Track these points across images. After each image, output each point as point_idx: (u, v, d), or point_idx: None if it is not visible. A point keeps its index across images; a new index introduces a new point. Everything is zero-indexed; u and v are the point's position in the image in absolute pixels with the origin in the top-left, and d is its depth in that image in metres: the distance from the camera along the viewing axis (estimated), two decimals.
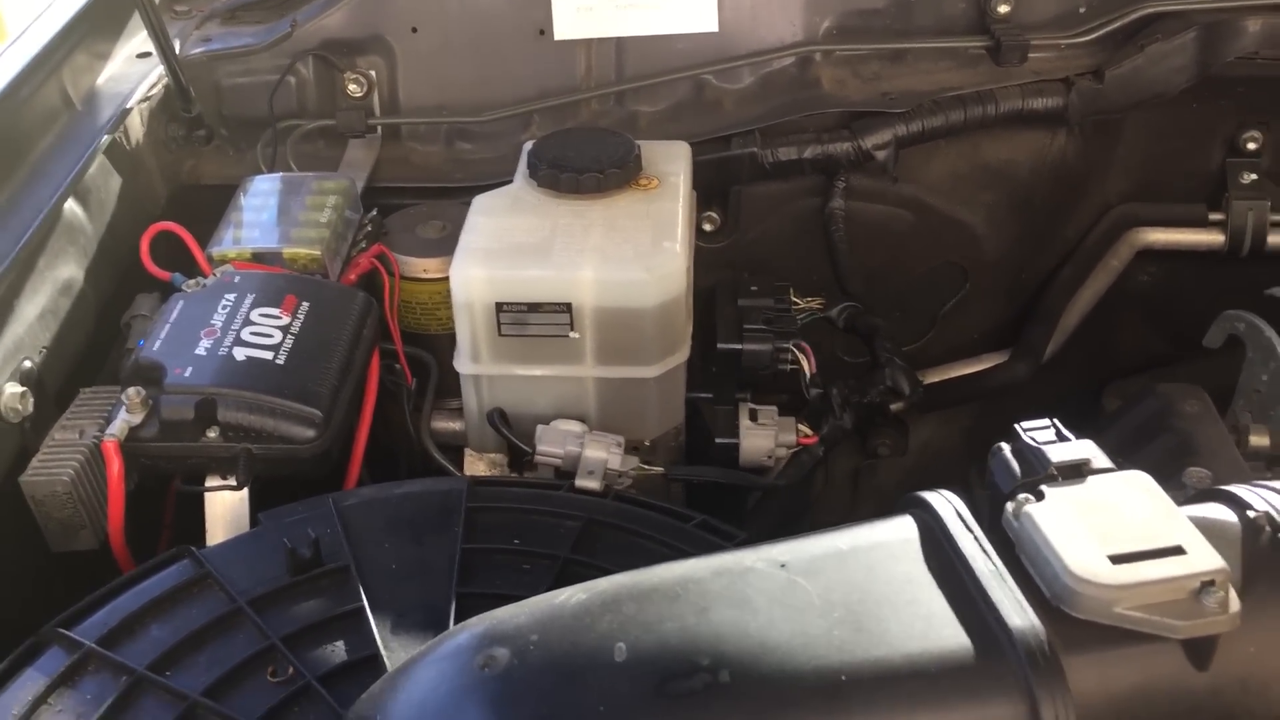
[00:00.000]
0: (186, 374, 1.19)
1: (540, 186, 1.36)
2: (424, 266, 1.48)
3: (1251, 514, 0.85)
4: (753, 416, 1.39)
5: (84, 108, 1.48)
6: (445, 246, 1.50)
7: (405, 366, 1.40)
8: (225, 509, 1.20)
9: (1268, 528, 0.84)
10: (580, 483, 1.17)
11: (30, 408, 1.22)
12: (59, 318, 1.30)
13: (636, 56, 1.65)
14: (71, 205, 1.35)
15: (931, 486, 1.02)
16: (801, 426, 1.39)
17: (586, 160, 1.35)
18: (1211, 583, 0.77)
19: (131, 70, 1.57)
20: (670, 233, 1.30)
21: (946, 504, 0.87)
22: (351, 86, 1.66)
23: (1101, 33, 1.62)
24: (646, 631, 0.80)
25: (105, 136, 1.42)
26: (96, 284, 1.38)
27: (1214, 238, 1.82)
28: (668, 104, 1.66)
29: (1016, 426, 0.93)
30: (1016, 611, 0.78)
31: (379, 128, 1.67)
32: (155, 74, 1.57)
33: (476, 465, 1.43)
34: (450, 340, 1.50)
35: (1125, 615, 0.78)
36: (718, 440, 1.38)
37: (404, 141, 1.70)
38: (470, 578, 1.04)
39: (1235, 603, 0.78)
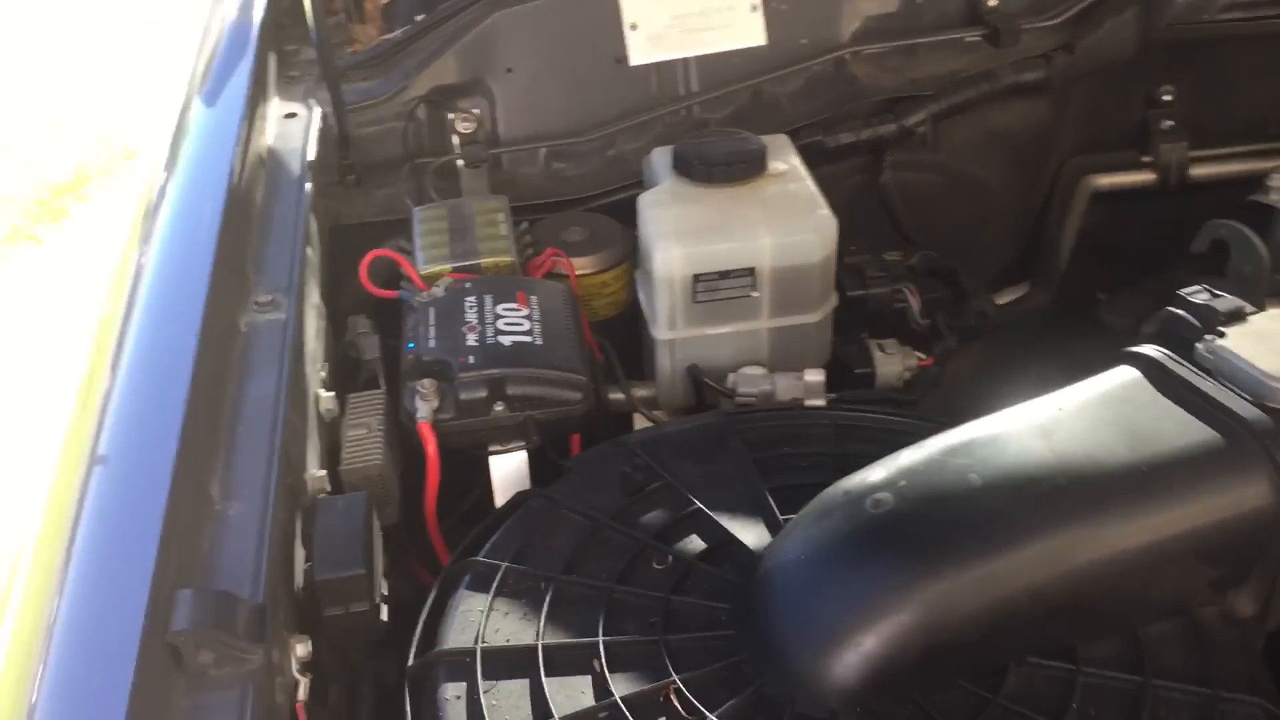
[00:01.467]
0: (471, 361, 1.43)
1: (695, 181, 1.65)
2: (579, 265, 1.75)
3: None
4: (881, 349, 1.70)
5: (273, 164, 1.69)
6: (591, 246, 1.78)
7: (594, 345, 1.67)
8: (512, 468, 1.45)
9: None
10: (810, 402, 1.47)
11: (337, 408, 1.44)
12: (323, 336, 1.52)
13: (700, 73, 1.95)
14: (307, 248, 1.57)
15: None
16: (916, 353, 1.72)
17: (726, 155, 1.65)
18: None
19: (288, 129, 1.79)
20: (817, 202, 1.61)
21: (1159, 351, 1.20)
22: (462, 125, 1.91)
23: (1069, 14, 2.00)
24: (986, 464, 1.11)
25: (308, 185, 1.64)
26: (328, 309, 1.60)
27: (1147, 177, 2.23)
28: (731, 110, 1.96)
29: (1179, 293, 1.26)
30: (1244, 408, 1.11)
31: (491, 157, 1.93)
32: (314, 130, 1.79)
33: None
34: (603, 327, 1.78)
35: None
36: (857, 371, 1.69)
37: (505, 168, 1.96)
38: (767, 478, 1.32)
39: None
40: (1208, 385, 1.15)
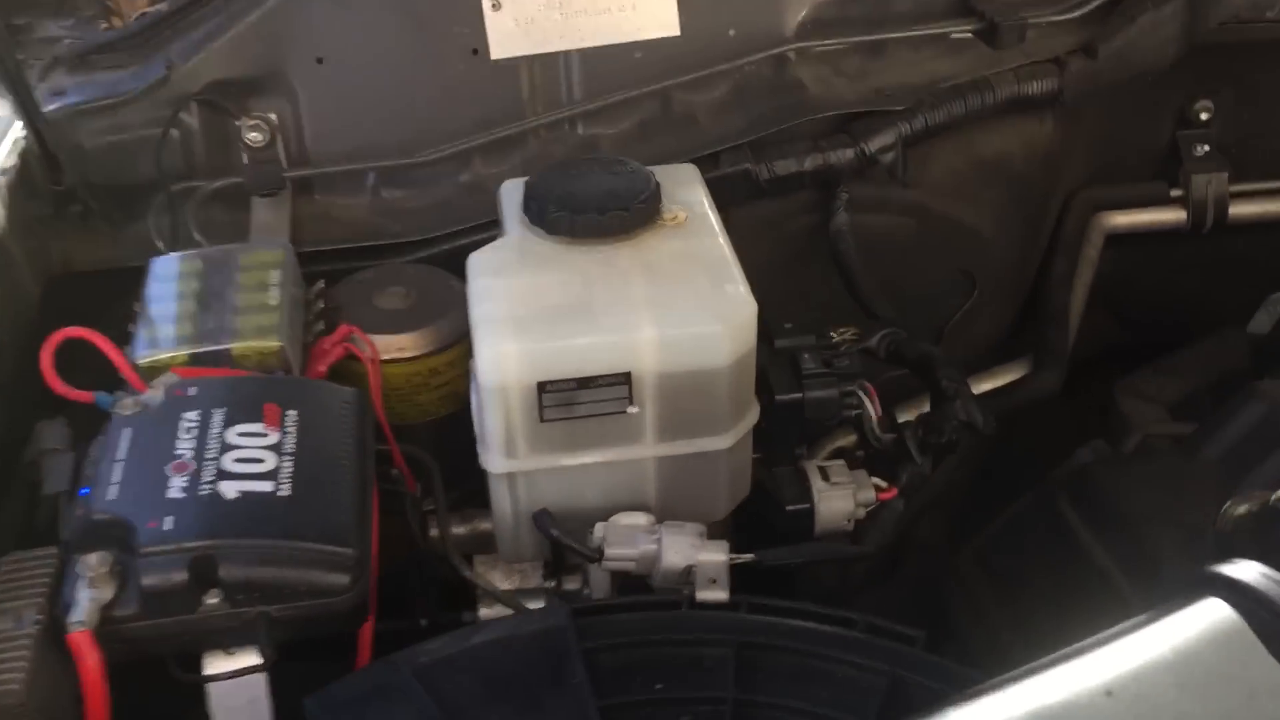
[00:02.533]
0: (166, 526, 0.90)
1: (550, 234, 1.12)
2: (398, 345, 1.22)
3: None
4: (824, 476, 1.19)
5: None
6: (416, 317, 1.25)
7: (405, 469, 1.14)
8: (239, 697, 0.92)
9: None
10: (703, 595, 0.94)
11: None
12: None
13: (588, 73, 1.42)
14: None
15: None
16: (874, 480, 1.20)
17: (601, 197, 1.12)
18: None
19: None
20: (727, 272, 1.08)
21: (1262, 575, 0.70)
22: (252, 135, 1.37)
23: (1091, 6, 1.49)
24: None
25: None
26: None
27: (1176, 215, 1.74)
28: (631, 123, 1.44)
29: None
30: None
31: (294, 181, 1.39)
32: (9, 140, 1.25)
33: (492, 576, 1.18)
34: (432, 429, 1.26)
35: None
36: (788, 508, 1.18)
37: (318, 195, 1.42)
38: None
39: None
40: None
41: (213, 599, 0.90)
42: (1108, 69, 1.49)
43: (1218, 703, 0.66)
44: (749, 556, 1.06)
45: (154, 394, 1.03)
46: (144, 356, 1.09)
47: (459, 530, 1.21)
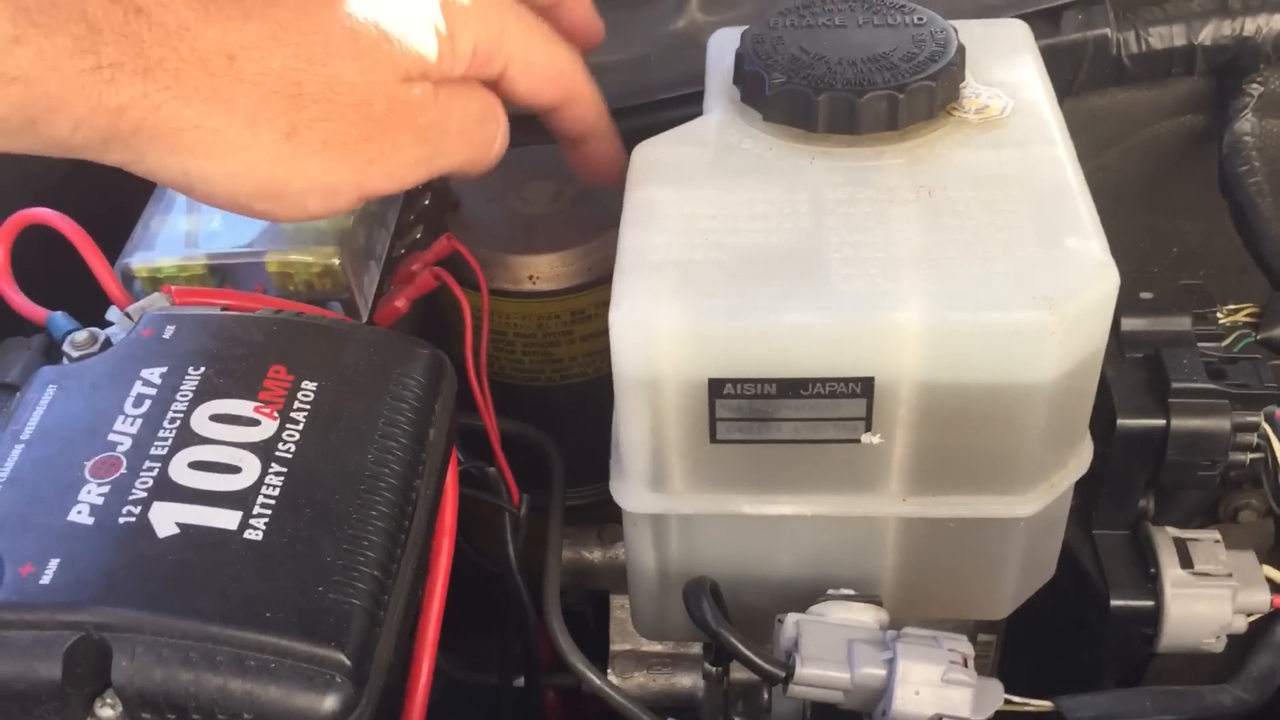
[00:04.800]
0: (46, 577, 0.53)
1: (769, 121, 0.67)
2: (529, 271, 0.81)
3: None
4: (1185, 556, 0.72)
5: None
6: (564, 229, 0.83)
7: (508, 473, 0.74)
8: None
9: None
10: None
11: None
12: None
13: None
14: None
15: None
16: (1270, 571, 0.72)
17: (861, 64, 0.66)
18: None
19: None
20: (1073, 214, 0.61)
21: None
22: None
23: None
24: None
25: None
26: None
27: None
28: None
29: None
30: None
31: None
32: None
33: (628, 668, 0.79)
34: (570, 398, 0.86)
35: None
36: (1115, 604, 0.72)
37: None
38: None
39: None
40: None
41: (106, 711, 0.53)
42: None
43: None
44: (1046, 705, 0.61)
45: (119, 327, 0.66)
46: (139, 260, 0.72)
47: (592, 556, 0.82)
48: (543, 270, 0.81)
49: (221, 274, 0.73)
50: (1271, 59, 0.91)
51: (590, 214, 0.83)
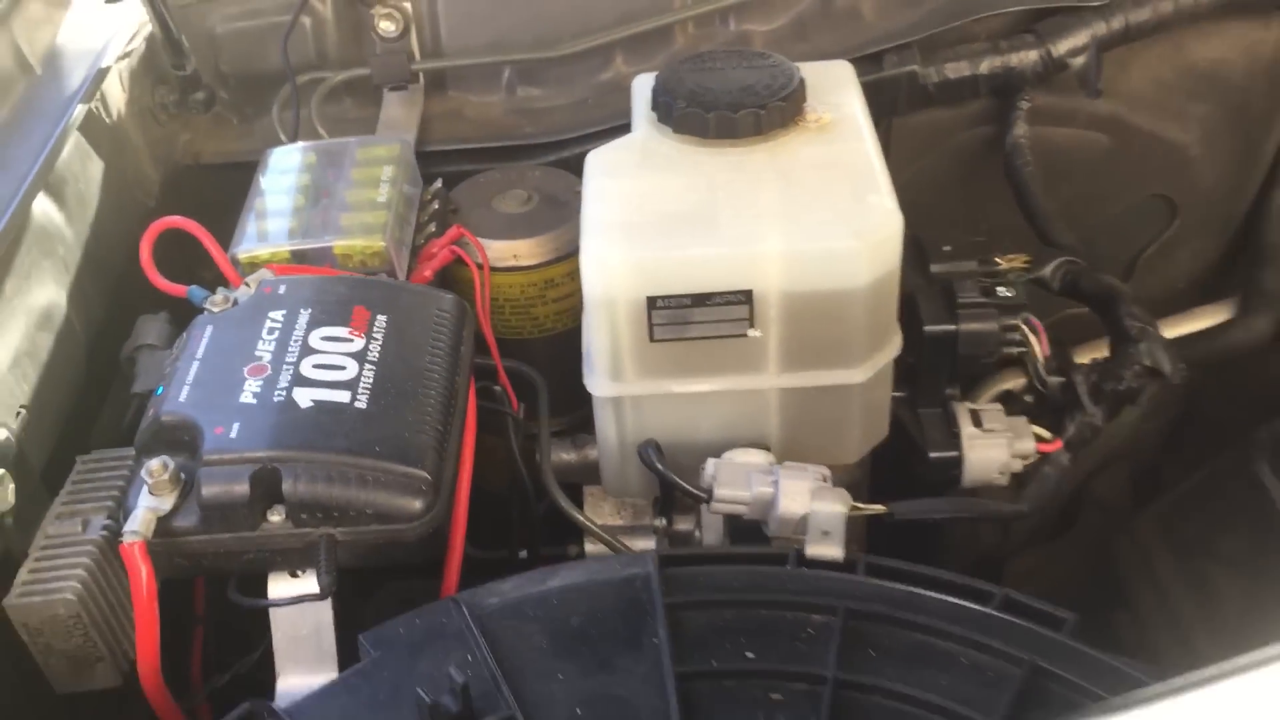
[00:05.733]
0: (233, 433, 0.83)
1: (677, 132, 1.00)
2: (513, 252, 1.13)
3: None
4: (976, 420, 1.05)
5: (45, 71, 1.11)
6: (535, 222, 1.16)
7: (509, 388, 1.06)
8: (300, 625, 0.86)
9: None
10: (814, 550, 0.82)
11: (11, 497, 0.87)
12: (39, 361, 0.95)
13: None
14: (43, 203, 0.99)
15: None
16: (1036, 429, 1.06)
17: (735, 92, 1.00)
18: None
19: (98, 20, 1.20)
20: (873, 182, 0.95)
21: None
22: (384, 24, 1.29)
23: None
24: None
25: (79, 107, 1.05)
26: (83, 308, 1.03)
27: None
28: (788, 18, 1.30)
29: None
30: None
31: (422, 75, 1.31)
32: (134, 23, 1.20)
33: (601, 510, 1.09)
34: (547, 346, 1.17)
35: None
36: (932, 455, 1.05)
37: (451, 92, 1.34)
38: None
39: None
40: None
41: (276, 516, 0.83)
42: None
43: None
44: (878, 508, 0.93)
45: (244, 290, 0.97)
46: (244, 251, 1.03)
47: (568, 456, 1.13)
48: (522, 251, 1.12)
49: (300, 257, 1.03)
50: (1031, 81, 1.26)
51: (552, 212, 1.15)
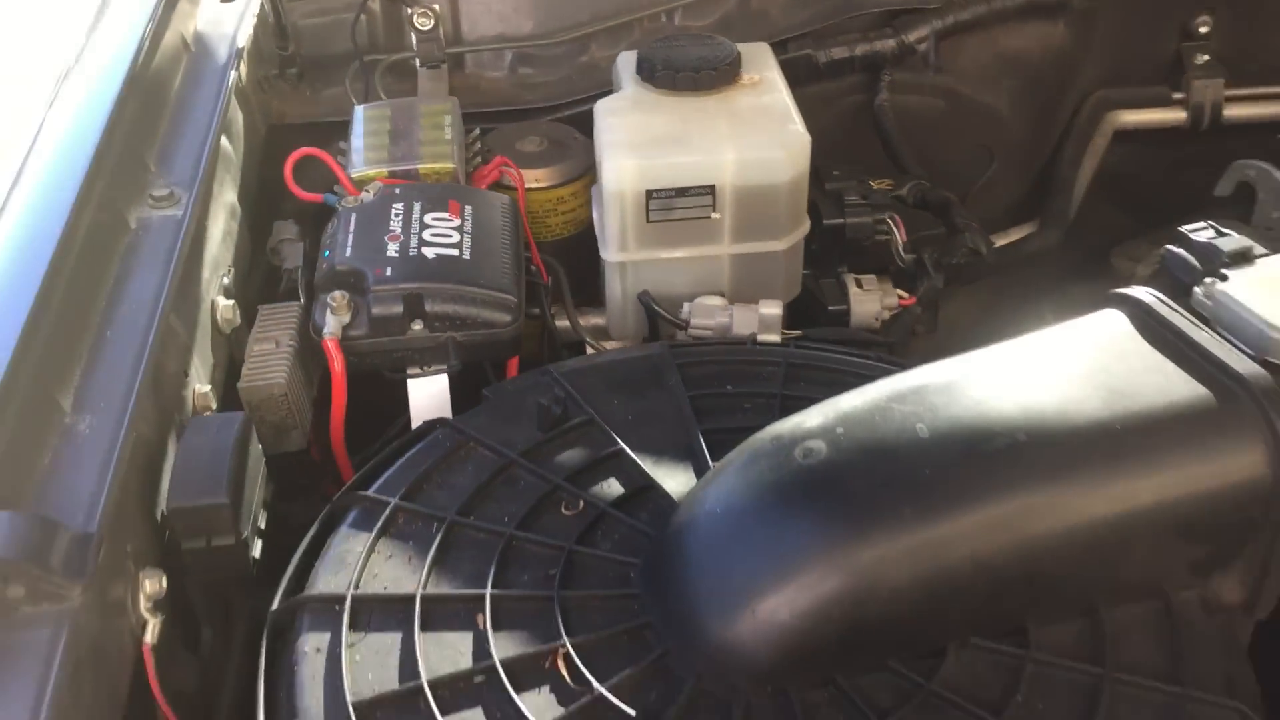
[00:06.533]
0: (388, 273, 1.29)
1: (658, 88, 1.48)
2: (534, 178, 1.59)
3: None
4: (858, 284, 1.54)
5: (198, 49, 1.54)
6: (548, 158, 1.62)
7: (541, 266, 1.52)
8: (431, 393, 1.31)
9: None
10: (764, 337, 1.31)
11: (239, 318, 1.30)
12: (233, 239, 1.38)
13: None
14: (224, 139, 1.42)
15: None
16: (898, 291, 1.56)
17: (696, 61, 1.49)
18: None
19: (222, 14, 1.63)
20: (790, 117, 1.44)
21: (1149, 294, 1.04)
22: (420, 20, 1.74)
23: None
24: (938, 414, 0.95)
25: (231, 75, 1.48)
26: (248, 209, 1.46)
27: (1178, 115, 2.03)
28: (716, 18, 1.79)
29: (1180, 230, 1.10)
30: (1241, 363, 0.95)
31: (451, 57, 1.77)
32: (249, 17, 1.63)
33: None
34: (559, 246, 1.63)
35: None
36: (830, 308, 1.54)
37: (468, 71, 1.80)
38: (703, 419, 1.17)
39: None
40: (1202, 335, 0.99)
41: (417, 325, 1.29)
42: None
43: (1106, 371, 0.99)
44: (798, 333, 1.42)
45: (366, 195, 1.41)
46: (357, 170, 1.47)
47: (589, 320, 1.59)
48: (541, 177, 1.59)
49: (395, 175, 1.48)
50: (891, 61, 1.78)
51: (559, 151, 1.62)
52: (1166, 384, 0.96)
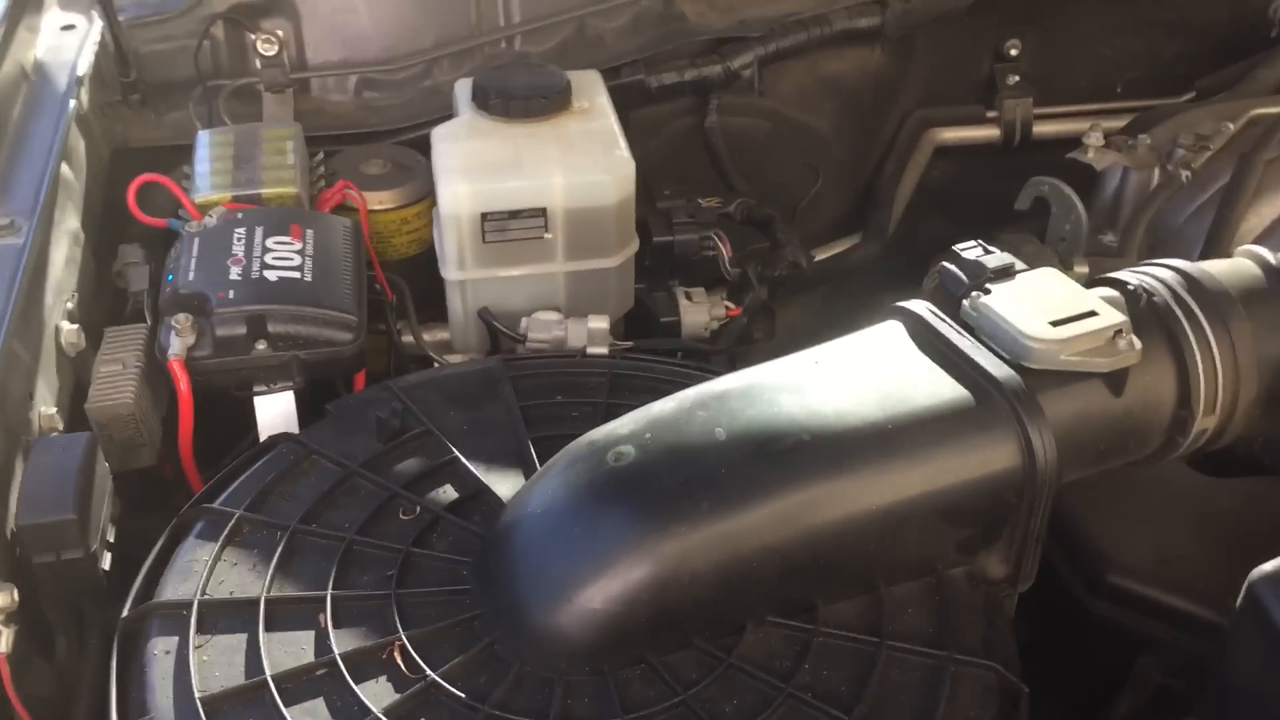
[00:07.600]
0: (231, 296, 1.35)
1: (492, 115, 1.57)
2: (378, 200, 1.66)
3: (1130, 287, 1.18)
4: (688, 297, 1.65)
5: (37, 78, 1.57)
6: (391, 181, 1.69)
7: (385, 285, 1.59)
8: (277, 410, 1.37)
9: (1144, 295, 1.17)
10: (592, 350, 1.41)
11: (84, 342, 1.35)
12: (77, 264, 1.42)
13: (522, 2, 1.86)
14: (65, 166, 1.46)
15: None
16: (726, 302, 1.67)
17: (528, 89, 1.58)
18: (1120, 331, 1.10)
19: (62, 42, 1.67)
20: (616, 143, 1.54)
21: (923, 305, 1.17)
22: (264, 46, 1.80)
23: None
24: (734, 418, 1.06)
25: (72, 102, 1.52)
26: (93, 234, 1.50)
27: (992, 132, 2.19)
28: (554, 43, 1.88)
29: (953, 249, 1.23)
30: (997, 368, 1.08)
31: (296, 82, 1.83)
32: (89, 44, 1.67)
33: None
34: (404, 265, 1.71)
35: (1067, 361, 1.09)
36: (662, 319, 1.64)
37: (313, 94, 1.86)
38: (533, 427, 1.26)
39: (1138, 343, 1.10)
40: (965, 343, 1.11)
41: (261, 345, 1.35)
42: (920, 9, 1.96)
43: (883, 376, 1.11)
44: (629, 344, 1.53)
45: (210, 219, 1.47)
46: (200, 195, 1.53)
47: (435, 335, 1.67)
48: (384, 199, 1.66)
49: (238, 200, 1.54)
50: (718, 86, 1.89)
51: (401, 174, 1.70)
52: (934, 387, 1.08)
